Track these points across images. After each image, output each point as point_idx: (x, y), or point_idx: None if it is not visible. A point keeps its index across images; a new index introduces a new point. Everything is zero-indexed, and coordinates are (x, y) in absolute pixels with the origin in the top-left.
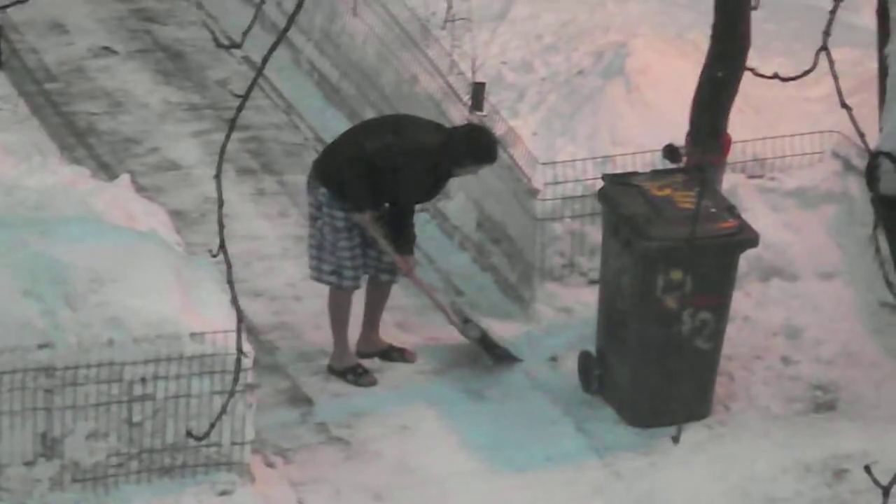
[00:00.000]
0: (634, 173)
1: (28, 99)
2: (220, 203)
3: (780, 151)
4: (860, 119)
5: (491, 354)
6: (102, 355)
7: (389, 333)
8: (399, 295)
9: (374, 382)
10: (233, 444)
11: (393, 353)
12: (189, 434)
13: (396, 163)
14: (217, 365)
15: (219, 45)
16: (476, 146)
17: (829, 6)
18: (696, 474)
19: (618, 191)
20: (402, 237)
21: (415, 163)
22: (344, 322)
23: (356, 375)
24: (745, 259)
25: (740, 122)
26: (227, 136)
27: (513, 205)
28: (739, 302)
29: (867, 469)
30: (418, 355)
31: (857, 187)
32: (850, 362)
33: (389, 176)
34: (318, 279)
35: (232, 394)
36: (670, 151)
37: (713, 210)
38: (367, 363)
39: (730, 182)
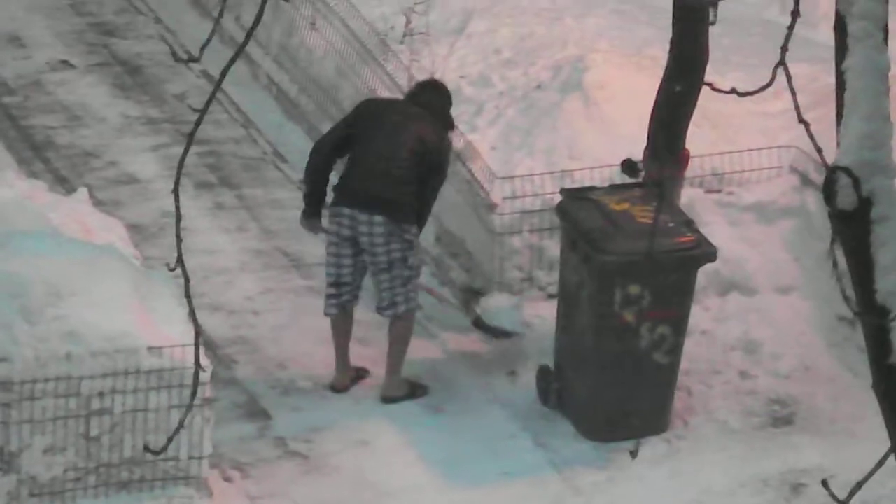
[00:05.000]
0: (592, 188)
1: None
2: (178, 217)
3: (738, 166)
4: (818, 134)
5: (489, 334)
6: (60, 369)
7: (350, 348)
8: (358, 309)
9: (427, 391)
10: (190, 458)
11: (360, 374)
12: (146, 448)
13: (445, 157)
14: (175, 379)
15: (177, 59)
16: (446, 92)
17: (787, 21)
18: (654, 489)
19: (576, 205)
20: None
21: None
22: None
23: (414, 391)
24: (703, 273)
25: (698, 137)
26: (186, 150)
27: (471, 219)
28: (697, 316)
29: (824, 483)
30: (378, 369)
31: (814, 202)
32: (807, 377)
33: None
34: (413, 310)
35: (190, 408)
36: (628, 166)
37: (671, 224)
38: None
39: (688, 196)
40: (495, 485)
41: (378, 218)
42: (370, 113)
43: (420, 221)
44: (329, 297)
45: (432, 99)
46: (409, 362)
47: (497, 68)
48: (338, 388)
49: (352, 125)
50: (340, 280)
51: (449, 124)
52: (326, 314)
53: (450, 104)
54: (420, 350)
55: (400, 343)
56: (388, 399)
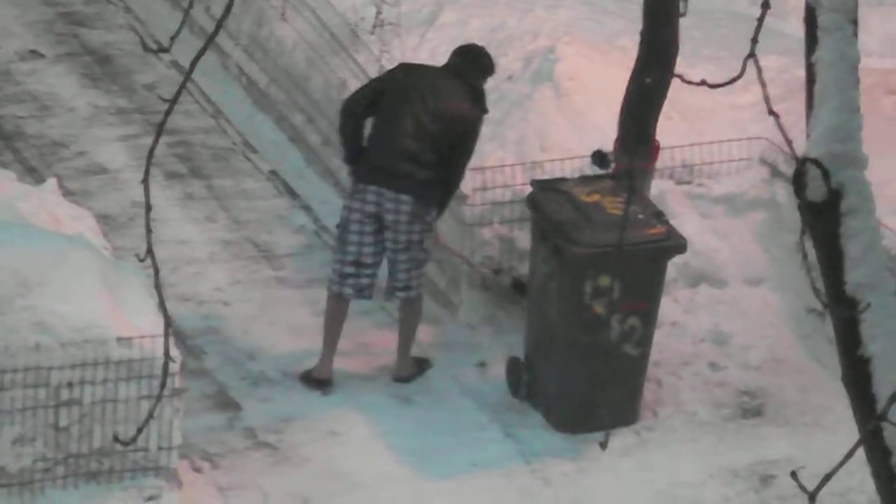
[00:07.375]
0: (563, 179)
1: None
2: (148, 207)
3: (708, 158)
4: (788, 126)
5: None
6: (29, 359)
7: (321, 339)
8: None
9: (431, 364)
10: (160, 449)
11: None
12: (116, 439)
13: (474, 136)
14: (144, 369)
15: (147, 49)
16: (486, 65)
17: (757, 13)
18: (623, 480)
19: (546, 196)
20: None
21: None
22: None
23: (422, 367)
24: (674, 265)
25: (669, 129)
26: (155, 141)
27: None
28: (667, 308)
29: (793, 475)
30: (348, 360)
31: (784, 194)
32: (777, 368)
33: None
34: (420, 295)
35: (159, 398)
36: (599, 157)
37: (641, 216)
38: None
39: (658, 188)
40: (465, 476)
41: (405, 197)
42: (403, 81)
43: (444, 200)
44: (346, 276)
45: (471, 74)
46: (378, 352)
47: None
48: (323, 378)
49: (383, 90)
50: (362, 260)
51: (483, 106)
52: (341, 294)
53: (490, 72)
54: (390, 341)
55: (411, 324)
56: (401, 379)
